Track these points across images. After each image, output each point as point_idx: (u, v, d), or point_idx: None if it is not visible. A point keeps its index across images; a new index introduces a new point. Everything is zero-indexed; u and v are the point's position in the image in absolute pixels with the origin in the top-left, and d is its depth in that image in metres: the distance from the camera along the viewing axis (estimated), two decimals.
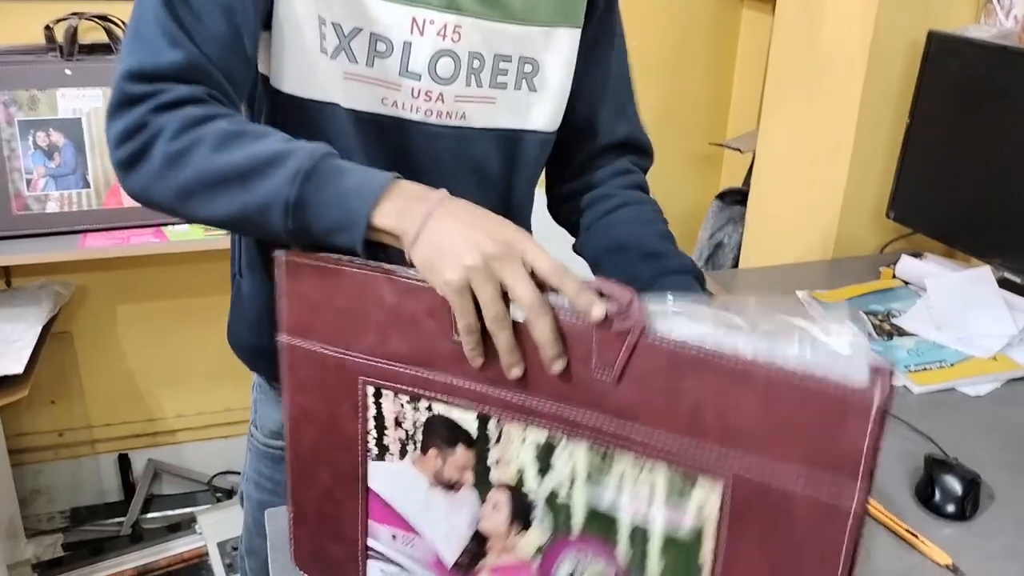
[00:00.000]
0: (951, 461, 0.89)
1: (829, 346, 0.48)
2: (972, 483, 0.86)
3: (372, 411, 0.63)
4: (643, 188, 0.90)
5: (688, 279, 0.79)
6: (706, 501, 0.53)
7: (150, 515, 2.01)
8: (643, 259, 0.80)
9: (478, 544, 0.62)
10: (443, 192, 0.60)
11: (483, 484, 0.61)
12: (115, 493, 2.07)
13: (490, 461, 0.60)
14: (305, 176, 0.60)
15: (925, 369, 1.13)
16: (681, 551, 0.55)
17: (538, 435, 0.58)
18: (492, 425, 0.59)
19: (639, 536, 0.56)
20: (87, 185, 1.65)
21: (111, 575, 1.77)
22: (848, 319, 0.50)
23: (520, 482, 0.60)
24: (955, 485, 0.85)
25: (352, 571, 0.68)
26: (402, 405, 0.62)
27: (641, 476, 0.55)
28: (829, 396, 0.47)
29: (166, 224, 1.67)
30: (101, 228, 1.66)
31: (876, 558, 0.78)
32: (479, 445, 0.60)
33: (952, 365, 1.14)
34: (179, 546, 1.84)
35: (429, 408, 0.61)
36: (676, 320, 0.52)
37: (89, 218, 1.65)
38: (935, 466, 0.88)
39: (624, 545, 0.57)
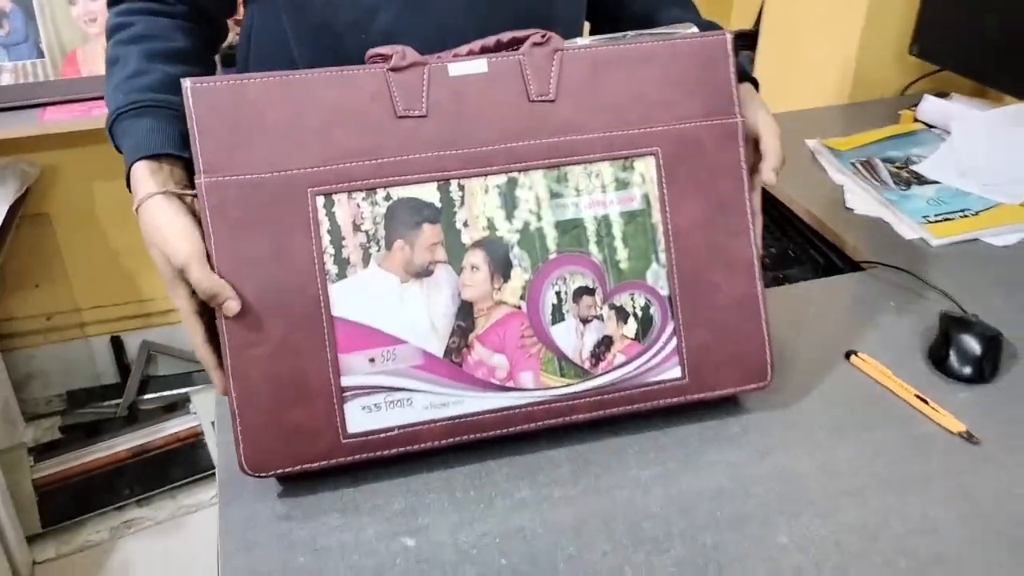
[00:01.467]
0: (969, 318, 0.80)
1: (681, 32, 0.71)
2: (993, 341, 0.78)
3: (326, 225, 0.62)
4: None
5: None
6: (646, 172, 0.67)
7: (147, 396, 2.00)
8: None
9: (465, 317, 0.64)
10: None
11: (456, 253, 0.64)
12: (111, 376, 2.05)
13: (459, 225, 0.64)
14: (110, 131, 0.70)
15: (946, 219, 1.03)
16: (638, 222, 0.68)
17: (498, 180, 0.65)
18: (453, 189, 0.63)
19: (603, 228, 0.67)
20: (41, 55, 1.57)
21: (107, 456, 1.76)
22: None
23: (492, 231, 0.65)
24: (973, 344, 0.77)
25: (327, 431, 0.62)
26: (358, 205, 0.61)
27: (592, 180, 0.67)
28: (702, 48, 0.69)
29: None
30: (60, 100, 1.58)
31: (879, 429, 0.71)
32: (445, 214, 0.64)
33: (976, 214, 1.04)
34: (174, 426, 1.83)
35: (387, 197, 0.62)
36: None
37: (47, 90, 1.58)
38: (951, 324, 0.79)
39: (594, 246, 0.67)
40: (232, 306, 0.60)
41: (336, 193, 0.62)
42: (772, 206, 1.13)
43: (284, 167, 0.61)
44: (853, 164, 1.18)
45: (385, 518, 0.63)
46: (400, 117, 0.63)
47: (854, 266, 0.99)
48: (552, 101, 0.65)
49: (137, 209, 0.63)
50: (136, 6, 0.73)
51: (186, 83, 0.60)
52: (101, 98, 1.53)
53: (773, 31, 1.66)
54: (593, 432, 0.69)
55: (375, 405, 0.63)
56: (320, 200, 0.62)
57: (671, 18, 0.79)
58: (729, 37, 0.68)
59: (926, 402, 0.73)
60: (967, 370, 0.77)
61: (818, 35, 1.52)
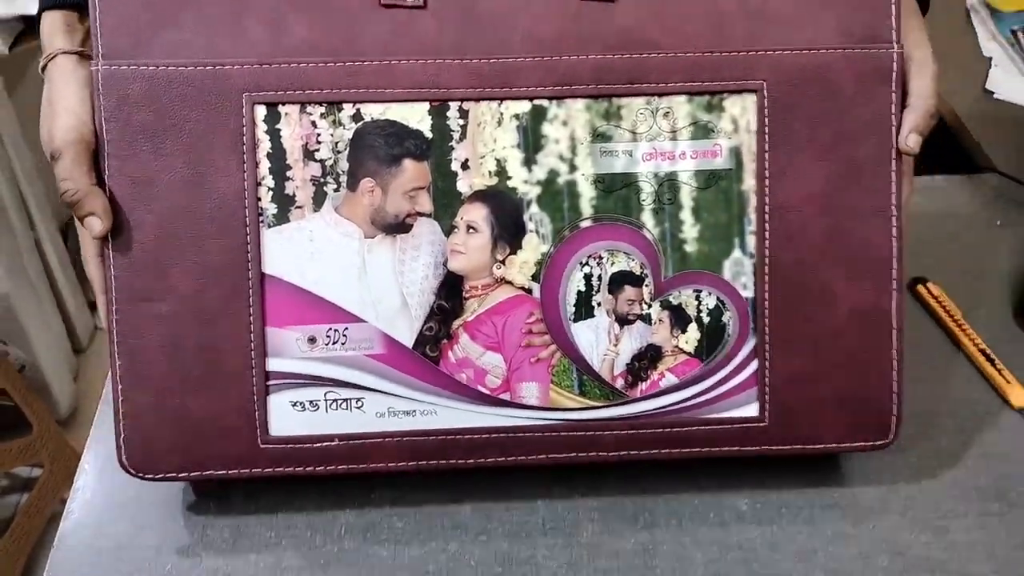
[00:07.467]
0: None
1: None
2: None
3: (266, 146, 0.45)
4: None
5: None
6: (740, 116, 0.47)
7: None
8: None
9: (449, 295, 0.47)
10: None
11: (447, 204, 0.47)
12: None
13: (454, 165, 0.47)
14: None
15: None
16: (720, 188, 0.47)
17: (519, 107, 0.46)
18: (452, 115, 0.46)
19: (666, 191, 0.47)
20: None
21: None
22: None
23: (502, 179, 0.47)
24: None
25: (242, 430, 0.46)
26: (314, 123, 0.44)
27: (657, 120, 0.47)
28: None
29: None
30: None
31: (920, 383, 0.54)
32: (436, 149, 0.47)
33: None
34: None
35: (357, 116, 0.45)
36: None
37: None
38: None
39: (649, 215, 0.47)
40: (95, 225, 0.44)
41: (284, 103, 0.45)
42: None
43: (214, 59, 0.44)
44: (1014, 31, 0.93)
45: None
46: (385, 5, 0.44)
47: (975, 166, 0.78)
48: (612, 0, 0.45)
49: (43, 70, 0.48)
50: None
51: None
52: None
53: None
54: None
55: (311, 402, 0.46)
56: (260, 111, 0.45)
57: None
58: None
59: (992, 362, 0.58)
60: None
61: None
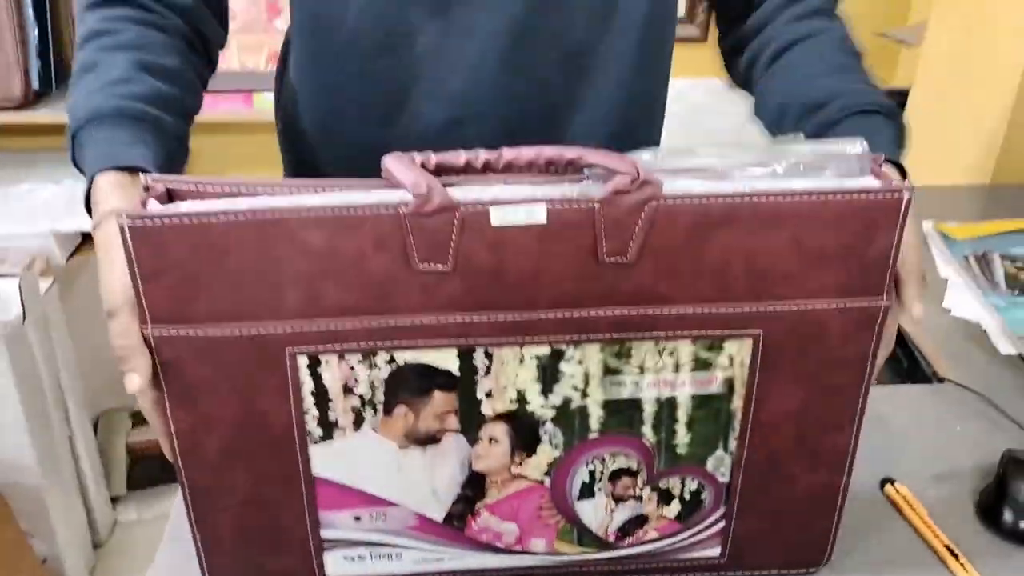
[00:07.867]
0: None
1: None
2: None
3: (309, 386, 0.51)
4: (821, 11, 0.71)
5: (874, 121, 0.62)
6: (737, 354, 0.52)
7: None
8: (800, 118, 0.63)
9: (474, 487, 0.56)
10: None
11: (472, 423, 0.53)
12: None
13: (479, 395, 0.52)
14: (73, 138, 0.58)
15: None
16: (712, 407, 0.54)
17: (539, 350, 0.51)
18: (478, 357, 0.51)
19: (665, 411, 0.54)
20: None
21: None
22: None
23: (521, 405, 0.53)
24: None
25: (304, 574, 0.57)
26: (352, 368, 0.48)
27: (663, 358, 0.52)
28: (862, 209, 0.48)
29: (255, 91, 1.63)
30: None
31: None
32: (463, 384, 0.52)
33: None
34: None
35: (391, 360, 0.48)
36: (676, 176, 0.48)
37: None
38: (1013, 468, 0.66)
39: (648, 428, 0.54)
40: (134, 381, 0.48)
41: (324, 354, 0.48)
42: None
43: (254, 321, 0.47)
44: (966, 257, 1.02)
45: None
46: (421, 269, 0.46)
47: (936, 377, 0.86)
48: (630, 263, 0.47)
49: (95, 228, 0.52)
50: (124, 13, 0.62)
51: (123, 219, 0.44)
52: (228, 91, 1.58)
53: (924, 92, 1.48)
54: None
55: (359, 556, 0.56)
56: (303, 361, 0.49)
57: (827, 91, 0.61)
58: (907, 195, 0.47)
59: (956, 556, 0.62)
60: (1020, 526, 0.64)
61: (969, 102, 1.36)
